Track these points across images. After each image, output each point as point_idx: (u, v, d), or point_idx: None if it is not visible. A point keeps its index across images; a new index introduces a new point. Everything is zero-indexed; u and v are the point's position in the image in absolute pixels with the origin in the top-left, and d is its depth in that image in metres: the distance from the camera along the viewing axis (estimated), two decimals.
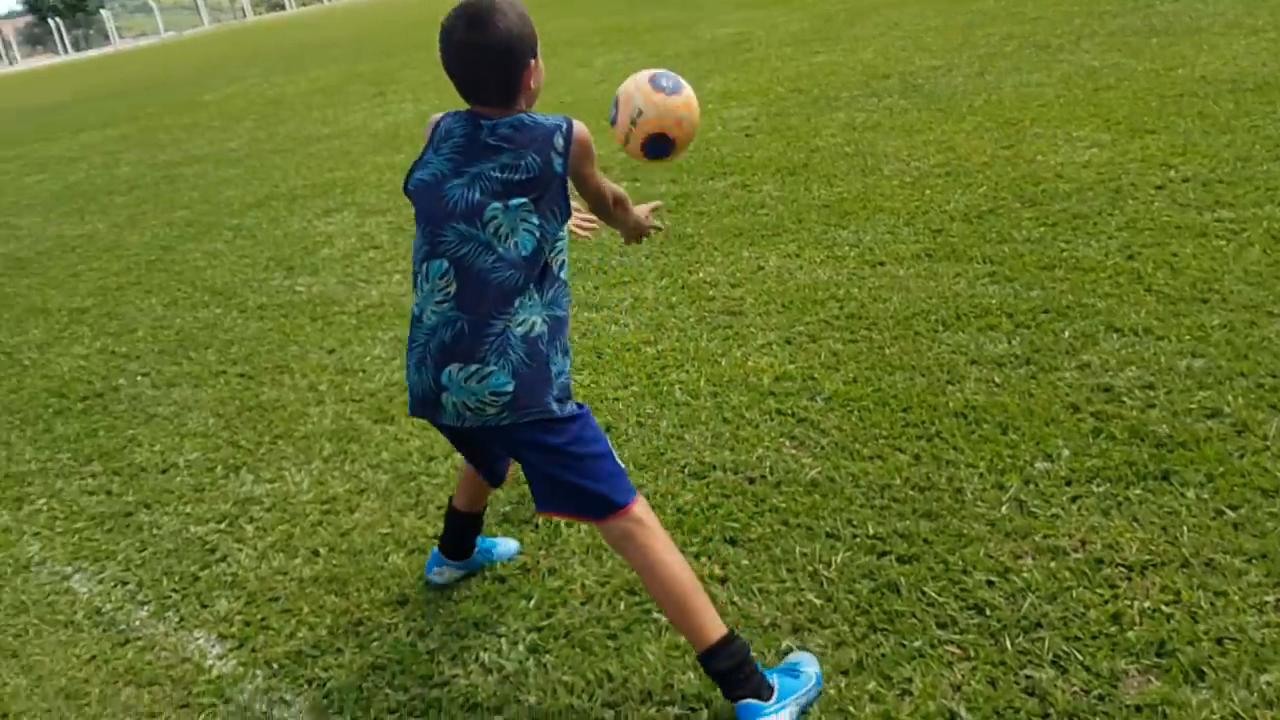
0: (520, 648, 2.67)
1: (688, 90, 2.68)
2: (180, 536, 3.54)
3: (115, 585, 3.32)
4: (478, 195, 2.20)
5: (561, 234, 2.29)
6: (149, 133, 14.91)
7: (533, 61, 2.25)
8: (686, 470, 3.34)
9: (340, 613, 2.96)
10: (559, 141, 2.22)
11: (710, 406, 3.72)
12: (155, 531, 3.60)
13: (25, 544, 3.67)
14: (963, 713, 2.22)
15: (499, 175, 2.20)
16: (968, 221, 4.97)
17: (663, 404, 3.81)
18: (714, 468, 3.32)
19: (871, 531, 2.87)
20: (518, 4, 2.23)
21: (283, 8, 70.91)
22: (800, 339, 4.12)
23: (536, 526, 3.19)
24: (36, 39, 79.07)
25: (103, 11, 76.44)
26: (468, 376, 2.18)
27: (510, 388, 2.18)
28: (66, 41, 68.61)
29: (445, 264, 2.22)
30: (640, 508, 2.28)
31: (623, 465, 2.32)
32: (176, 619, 3.08)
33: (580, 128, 2.26)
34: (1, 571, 3.50)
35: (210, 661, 2.84)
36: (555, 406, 2.23)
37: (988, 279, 4.30)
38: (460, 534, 2.89)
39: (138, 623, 3.09)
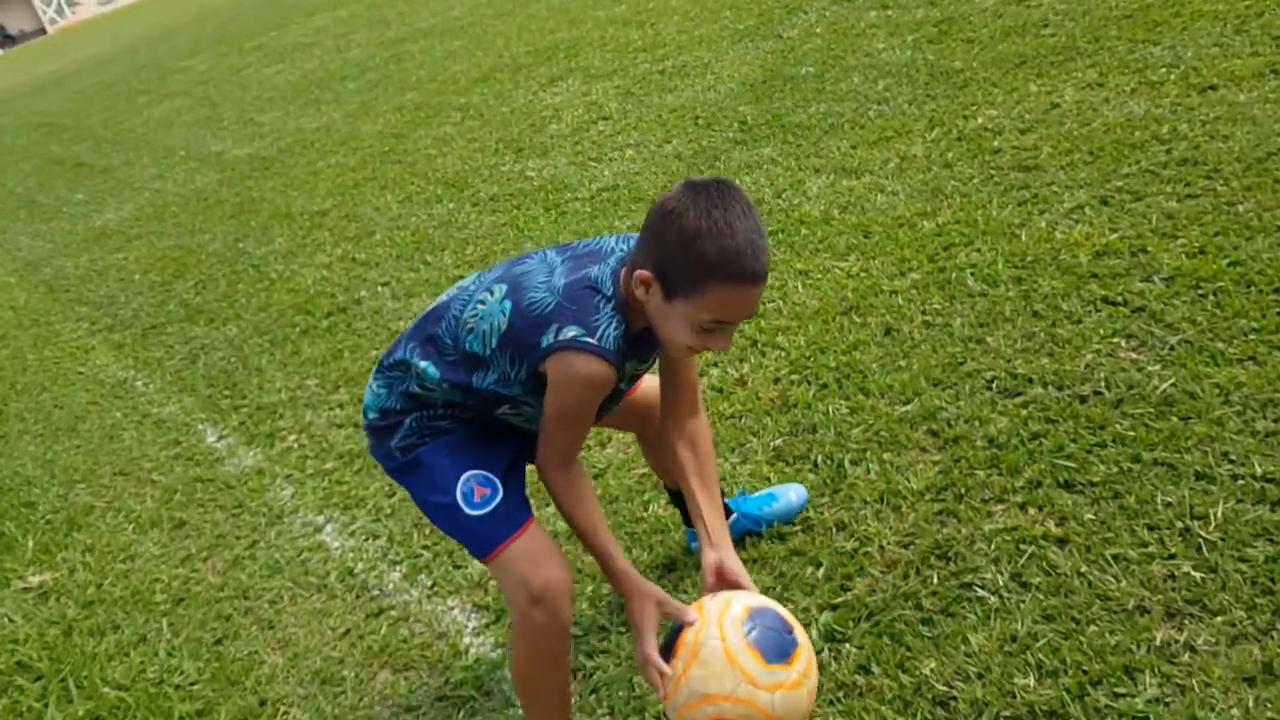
0: (813, 633, 2.21)
1: (807, 653, 1.73)
2: None
3: (366, 539, 3.10)
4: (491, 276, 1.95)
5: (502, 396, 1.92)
6: (375, 9, 14.87)
7: (648, 275, 1.71)
8: (995, 386, 2.73)
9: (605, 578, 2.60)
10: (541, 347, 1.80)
11: (1014, 296, 3.05)
12: None
13: (278, 489, 3.53)
14: None
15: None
16: None
17: (952, 295, 3.18)
18: (1030, 381, 2.70)
19: (1260, 471, 2.20)
20: (722, 224, 1.66)
21: None
22: (1119, 198, 3.35)
23: (816, 465, 2.69)
24: None
25: None
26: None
27: (373, 416, 2.04)
28: None
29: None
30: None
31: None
32: (429, 583, 2.82)
33: (587, 368, 1.76)
34: (256, 523, 3.37)
35: (466, 640, 2.56)
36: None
37: None
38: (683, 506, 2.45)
39: (390, 587, 2.86)
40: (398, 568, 2.93)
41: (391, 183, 6.43)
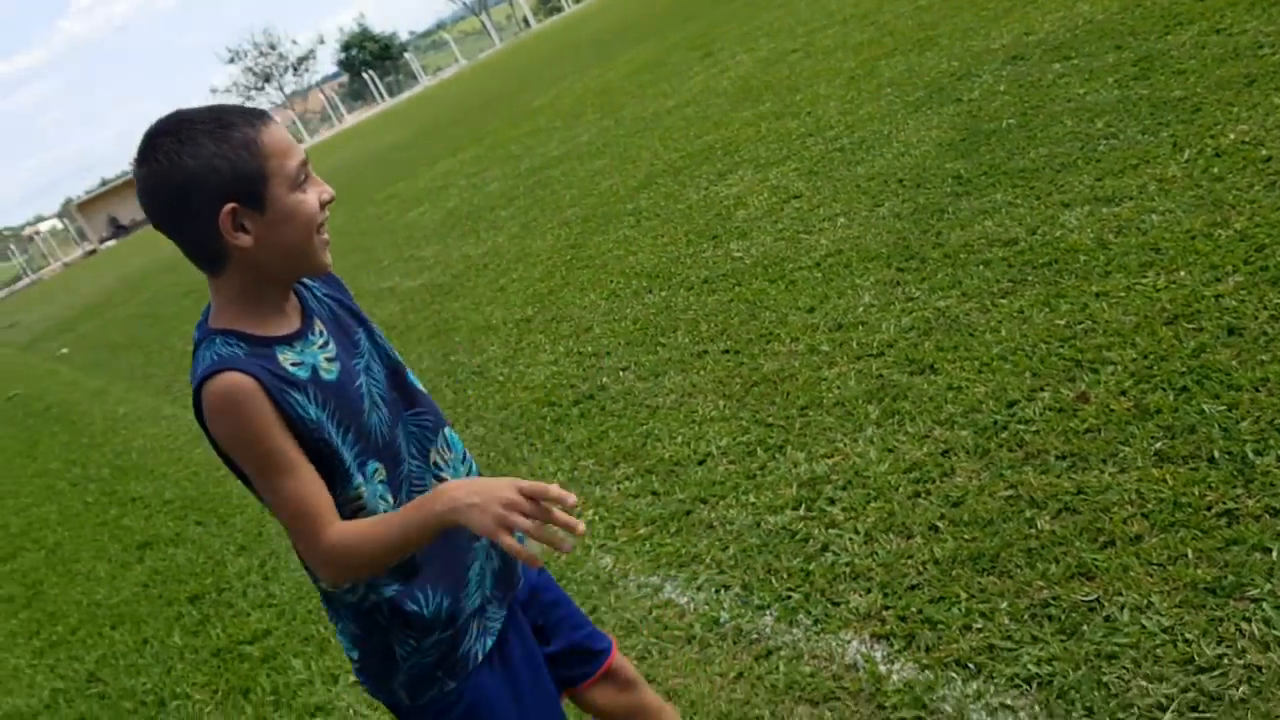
0: None
1: None
2: (760, 529, 3.25)
3: (718, 590, 3.06)
4: None
5: (346, 496, 1.61)
6: (498, 148, 15.47)
7: (230, 209, 1.55)
8: None
9: (1011, 594, 2.52)
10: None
11: None
12: (729, 527, 3.34)
13: (595, 560, 3.53)
14: None
15: None
16: None
17: None
18: None
19: None
20: (218, 121, 1.56)
21: (561, 9, 73.19)
22: None
23: (1213, 460, 2.59)
24: (356, 94, 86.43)
25: (406, 55, 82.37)
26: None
27: (355, 656, 1.77)
28: (382, 90, 74.48)
29: None
30: None
31: None
32: (809, 621, 2.76)
33: (213, 390, 1.53)
34: (588, 591, 3.36)
35: (883, 667, 2.49)
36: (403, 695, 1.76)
37: None
38: None
39: (767, 630, 2.81)
40: (767, 611, 2.88)
41: (588, 284, 6.57)
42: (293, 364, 1.59)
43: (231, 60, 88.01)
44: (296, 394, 1.56)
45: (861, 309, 4.36)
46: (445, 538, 1.61)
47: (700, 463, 3.81)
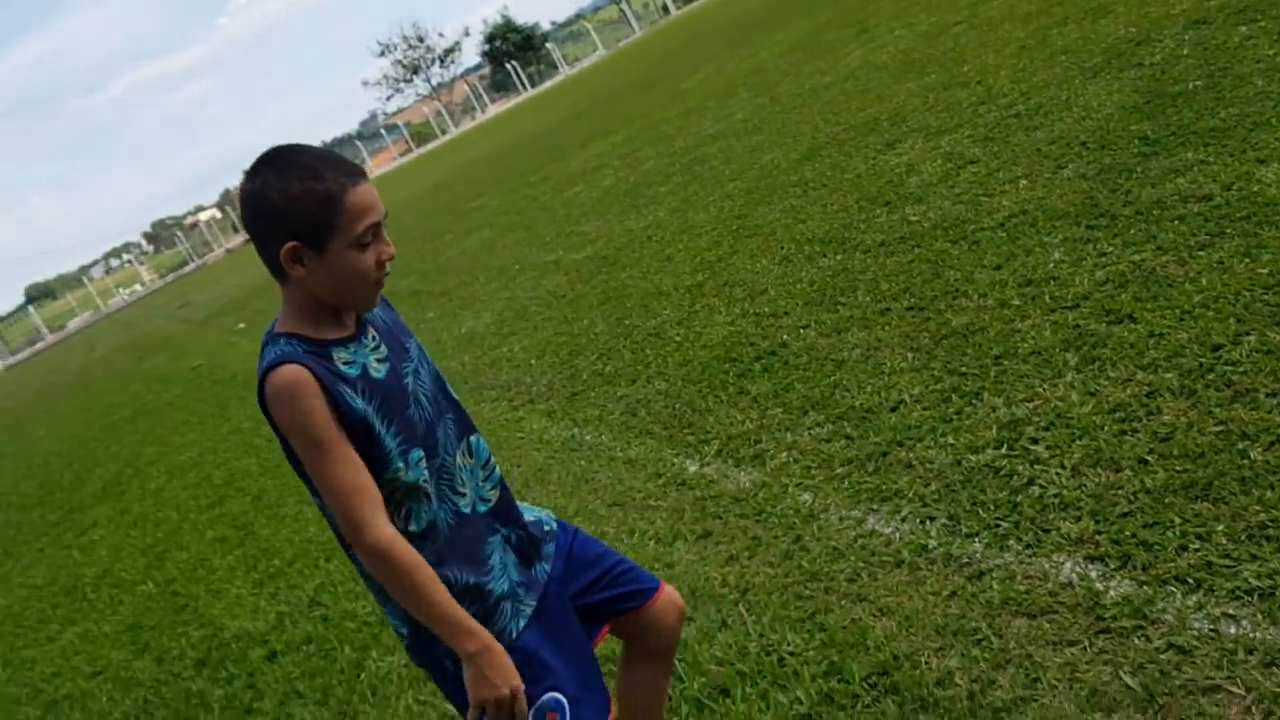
0: None
1: None
2: (961, 467, 3.36)
3: (923, 521, 3.19)
4: None
5: (390, 482, 1.84)
6: (650, 129, 15.72)
7: (291, 245, 1.79)
8: None
9: (1227, 518, 2.58)
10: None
11: None
12: (928, 466, 3.46)
13: (795, 496, 3.69)
14: None
15: None
16: None
17: None
18: None
19: None
20: (316, 169, 1.80)
21: None
22: None
23: None
24: (498, 84, 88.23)
25: (547, 45, 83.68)
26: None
27: (405, 632, 1.98)
28: (524, 80, 75.85)
29: None
30: None
31: None
32: (1020, 546, 2.87)
33: (273, 382, 1.78)
34: (789, 524, 3.53)
35: (1099, 585, 2.59)
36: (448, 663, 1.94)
37: None
38: None
39: (977, 554, 2.93)
40: (976, 539, 3.00)
41: (758, 251, 6.73)
42: (345, 362, 1.83)
43: (382, 53, 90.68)
44: (346, 388, 1.80)
45: (1052, 265, 4.40)
46: (461, 536, 1.92)
47: (893, 409, 3.94)
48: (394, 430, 1.85)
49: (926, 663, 2.62)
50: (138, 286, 79.15)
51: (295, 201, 1.76)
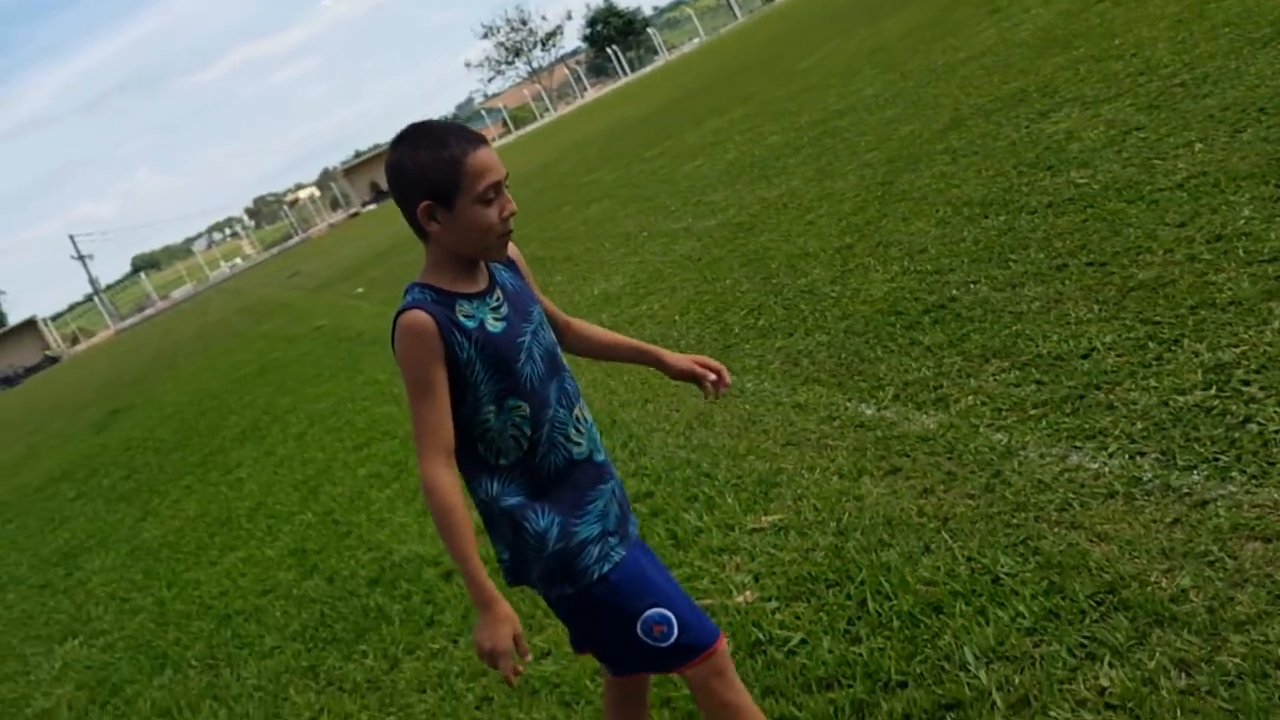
0: None
1: None
2: (1168, 408, 3.34)
3: (1132, 457, 3.19)
4: None
5: (481, 421, 2.14)
6: (768, 106, 15.70)
7: (426, 204, 2.10)
8: None
9: None
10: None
11: None
12: (1131, 407, 3.45)
13: (987, 435, 3.71)
14: None
15: None
16: None
17: None
18: None
19: None
20: (441, 139, 2.10)
21: None
22: None
23: None
24: (598, 69, 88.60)
25: (648, 30, 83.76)
26: None
27: (505, 556, 2.22)
28: (625, 64, 76.07)
29: None
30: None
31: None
32: (1244, 479, 2.86)
33: (401, 322, 2.10)
34: (985, 460, 3.55)
35: None
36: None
37: None
38: None
39: (1198, 485, 2.92)
40: (1194, 471, 2.99)
41: (910, 214, 6.71)
42: (465, 315, 2.12)
43: (485, 35, 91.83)
44: (460, 336, 2.10)
45: (1242, 221, 4.33)
46: (569, 479, 2.18)
47: (1084, 356, 3.92)
48: (495, 380, 2.13)
49: (1156, 582, 2.63)
50: (239, 260, 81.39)
51: (426, 167, 2.08)
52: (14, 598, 8.05)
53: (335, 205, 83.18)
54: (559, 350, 2.29)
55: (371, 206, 64.84)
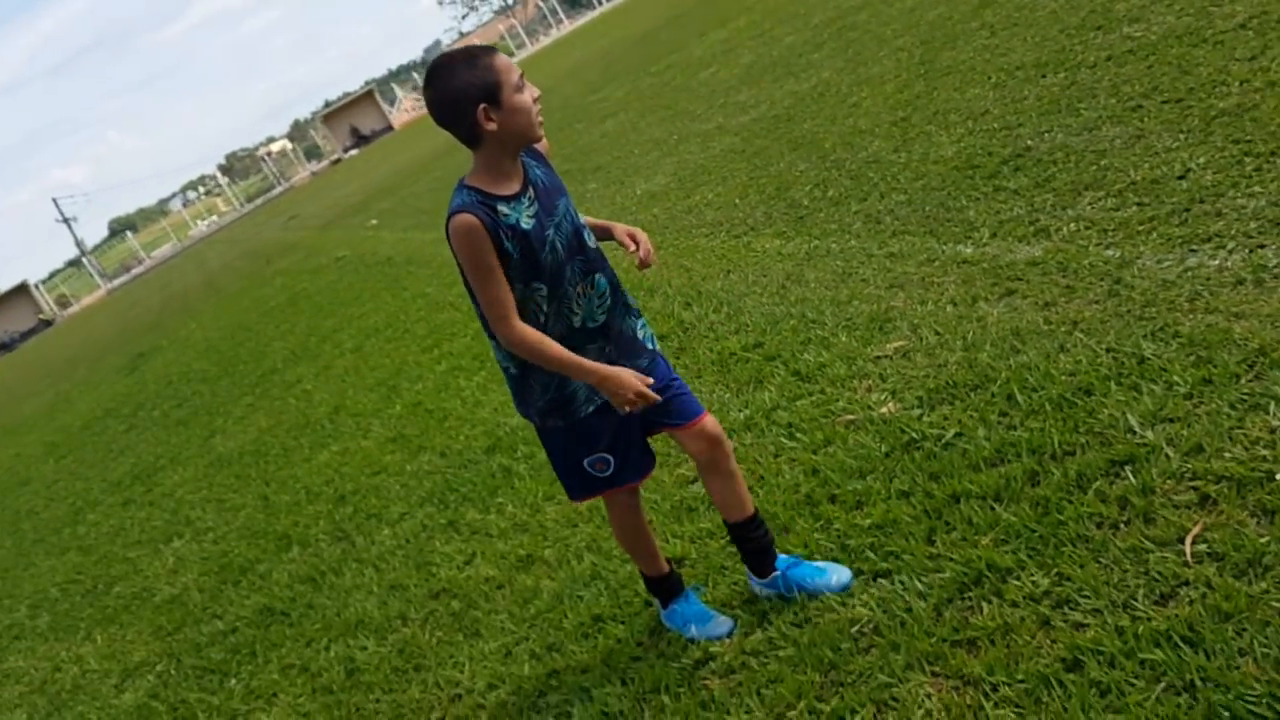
0: None
1: None
2: (1279, 207, 3.55)
3: (1252, 251, 3.41)
4: None
5: (528, 294, 2.62)
6: (775, 10, 15.69)
7: (482, 107, 2.48)
8: None
9: None
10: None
11: None
12: (1241, 211, 3.67)
13: (1096, 252, 3.91)
14: None
15: None
16: None
17: None
18: None
19: None
20: (468, 57, 2.52)
21: None
22: None
23: None
24: (572, 1, 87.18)
25: None
26: None
27: (514, 392, 2.85)
28: None
29: None
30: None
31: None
32: None
33: (455, 223, 2.53)
34: (1100, 271, 3.76)
35: None
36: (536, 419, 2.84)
37: None
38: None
39: None
40: None
41: (962, 84, 6.86)
42: (504, 215, 2.56)
43: None
44: (503, 232, 2.55)
45: None
46: (568, 342, 2.64)
47: (1179, 178, 4.13)
48: (523, 265, 2.60)
49: None
50: (214, 217, 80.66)
51: (470, 81, 2.50)
52: (95, 517, 8.27)
53: (310, 156, 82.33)
54: (585, 233, 2.74)
55: (353, 152, 64.22)
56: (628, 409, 2.64)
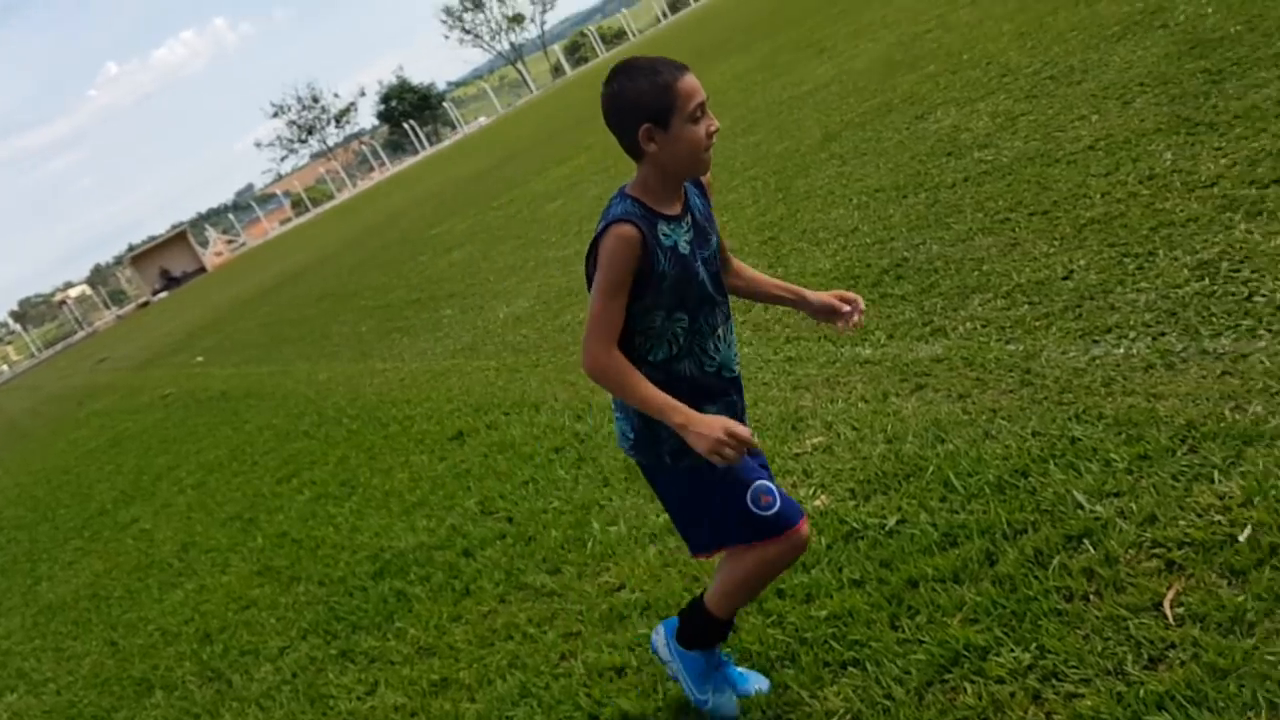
0: None
1: None
2: (1170, 299, 3.77)
3: (1154, 338, 3.58)
4: None
5: (648, 321, 2.46)
6: (615, 150, 16.06)
7: (646, 127, 2.35)
8: None
9: None
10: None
11: None
12: (1134, 303, 3.87)
13: (998, 347, 4.05)
14: None
15: None
16: None
17: None
18: None
19: None
20: (654, 70, 2.36)
21: (587, 60, 74.84)
22: None
23: None
24: (395, 145, 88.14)
25: (444, 104, 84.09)
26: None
27: (631, 435, 2.61)
28: (422, 138, 76.01)
29: None
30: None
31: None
32: (1271, 335, 3.28)
33: (614, 230, 2.37)
34: (1007, 364, 3.88)
35: None
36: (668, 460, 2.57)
37: None
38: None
39: (1230, 346, 3.32)
40: (1222, 337, 3.40)
41: (824, 206, 7.13)
42: (664, 234, 2.44)
43: (275, 114, 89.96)
44: (660, 253, 2.42)
45: (1168, 162, 4.89)
46: (698, 384, 2.52)
47: (1065, 278, 4.34)
48: (674, 292, 2.45)
49: (1230, 416, 2.98)
50: (4, 367, 75.68)
51: (644, 94, 2.35)
52: None
53: (114, 300, 78.81)
54: (723, 278, 2.61)
55: (163, 295, 61.86)
56: (718, 459, 2.33)
